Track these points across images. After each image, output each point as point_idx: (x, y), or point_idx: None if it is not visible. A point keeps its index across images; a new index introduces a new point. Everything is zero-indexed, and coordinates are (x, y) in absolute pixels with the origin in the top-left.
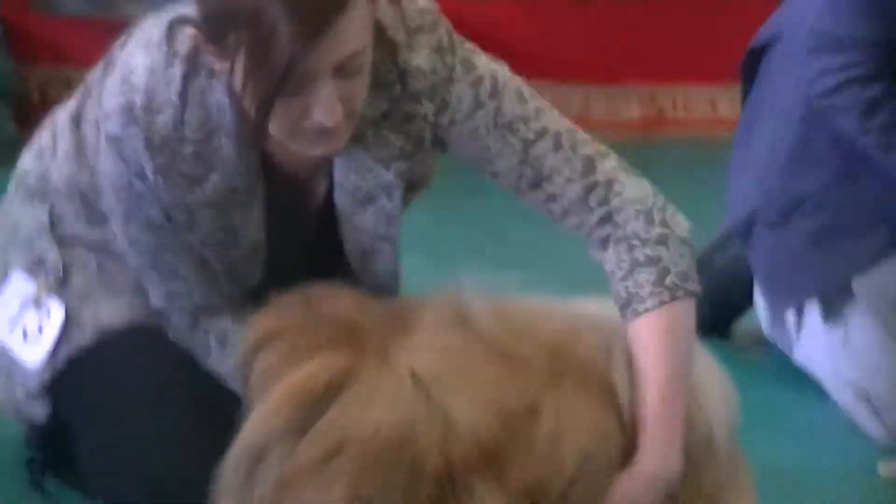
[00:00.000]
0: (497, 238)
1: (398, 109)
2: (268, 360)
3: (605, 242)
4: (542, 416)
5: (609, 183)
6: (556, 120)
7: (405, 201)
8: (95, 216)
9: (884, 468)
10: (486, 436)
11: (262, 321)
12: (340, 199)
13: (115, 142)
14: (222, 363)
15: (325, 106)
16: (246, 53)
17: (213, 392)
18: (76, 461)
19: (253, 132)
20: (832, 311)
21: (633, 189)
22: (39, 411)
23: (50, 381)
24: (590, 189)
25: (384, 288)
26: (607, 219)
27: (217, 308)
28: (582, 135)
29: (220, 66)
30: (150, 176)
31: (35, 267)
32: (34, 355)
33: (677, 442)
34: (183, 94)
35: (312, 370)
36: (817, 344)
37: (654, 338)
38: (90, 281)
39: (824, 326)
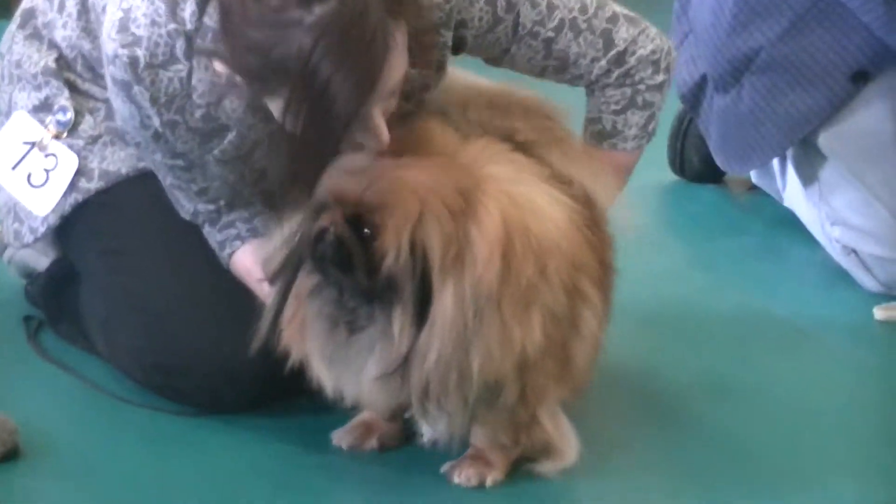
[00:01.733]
0: None
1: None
2: (439, 232)
3: (608, 87)
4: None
5: (626, 49)
6: (567, 3)
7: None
8: (101, 79)
9: (880, 312)
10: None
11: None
12: None
13: (123, 86)
14: (210, 239)
15: (375, 136)
16: (297, 106)
17: None
18: (75, 313)
19: (310, 178)
20: (799, 166)
21: (647, 45)
22: (40, 259)
23: (56, 225)
24: (614, 61)
25: None
26: (623, 76)
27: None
28: (590, 2)
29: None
30: (160, 129)
31: (42, 109)
32: (42, 204)
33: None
34: (189, 55)
35: (491, 220)
36: (800, 201)
37: (620, 174)
38: (97, 127)
39: (800, 185)
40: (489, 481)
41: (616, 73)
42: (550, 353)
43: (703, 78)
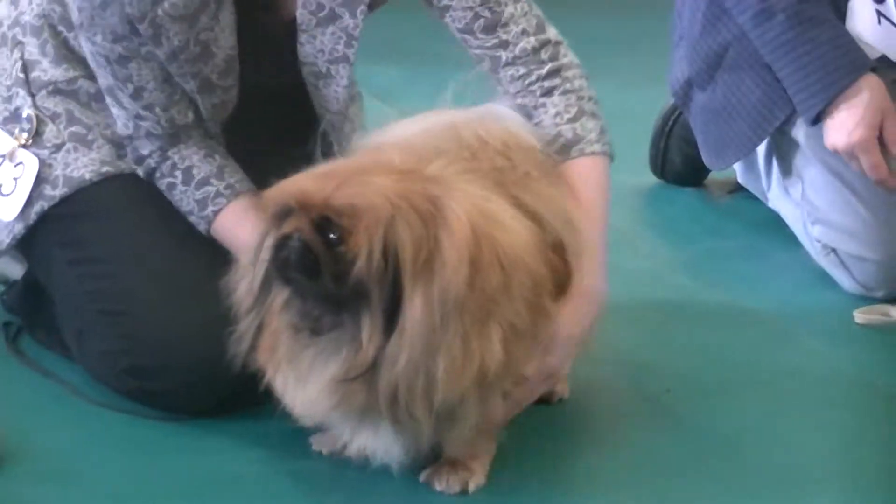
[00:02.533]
0: None
1: None
2: (410, 236)
3: (550, 91)
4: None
5: (558, 44)
6: None
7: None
8: (65, 52)
9: (860, 316)
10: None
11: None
12: (303, 17)
13: None
14: (185, 199)
15: None
16: None
17: (188, 240)
18: (51, 320)
19: None
20: (782, 163)
21: (573, 56)
22: (16, 267)
23: (23, 235)
24: (542, 45)
25: (337, 114)
26: (556, 72)
27: (184, 136)
28: None
29: None
30: None
31: (11, 120)
32: (10, 210)
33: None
34: None
35: (461, 226)
36: (783, 200)
37: (598, 177)
38: (61, 133)
39: (783, 183)
40: (471, 487)
41: (549, 66)
42: (512, 369)
43: (689, 79)
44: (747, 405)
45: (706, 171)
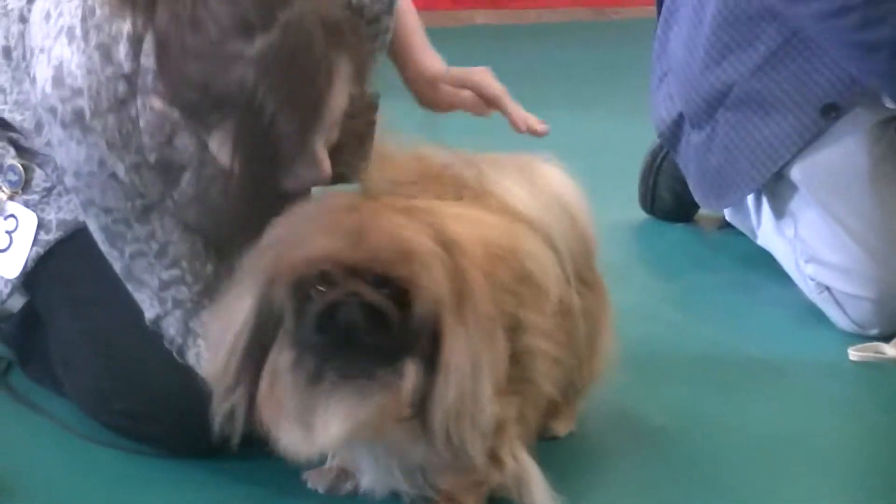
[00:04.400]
0: None
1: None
2: (447, 275)
3: None
4: None
5: None
6: None
7: None
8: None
9: (854, 354)
10: None
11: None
12: None
13: (71, 135)
14: None
15: (318, 169)
16: (237, 139)
17: None
18: (44, 353)
19: (250, 203)
20: (775, 202)
21: None
22: (17, 299)
23: (21, 281)
24: None
25: None
26: None
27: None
28: None
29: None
30: (125, 178)
31: None
32: (10, 267)
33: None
34: (130, 97)
35: (471, 246)
36: (774, 238)
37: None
38: (49, 178)
39: (775, 221)
40: None
41: None
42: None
43: (681, 115)
44: (742, 441)
45: (696, 206)
